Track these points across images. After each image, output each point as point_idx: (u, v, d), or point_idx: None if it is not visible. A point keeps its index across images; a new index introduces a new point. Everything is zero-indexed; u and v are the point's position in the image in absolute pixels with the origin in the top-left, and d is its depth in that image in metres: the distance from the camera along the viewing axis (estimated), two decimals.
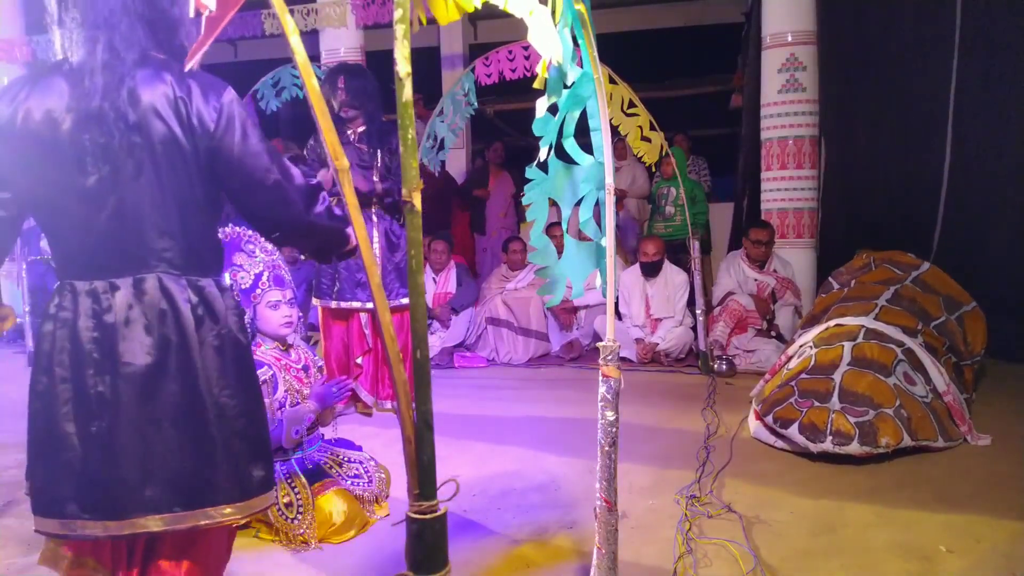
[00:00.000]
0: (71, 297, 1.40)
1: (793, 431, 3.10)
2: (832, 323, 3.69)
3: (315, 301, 4.02)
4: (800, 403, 3.20)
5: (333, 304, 3.92)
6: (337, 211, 1.61)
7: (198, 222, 1.46)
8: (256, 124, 1.49)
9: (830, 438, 2.98)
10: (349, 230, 1.61)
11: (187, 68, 1.39)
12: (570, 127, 1.73)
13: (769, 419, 3.28)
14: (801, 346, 3.74)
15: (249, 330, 2.61)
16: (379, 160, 3.83)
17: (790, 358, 3.76)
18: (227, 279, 2.42)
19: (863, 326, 3.54)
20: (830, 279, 4.54)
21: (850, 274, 4.40)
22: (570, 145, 1.76)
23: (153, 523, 1.38)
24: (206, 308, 1.44)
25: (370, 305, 3.86)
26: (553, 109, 1.67)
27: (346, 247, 1.68)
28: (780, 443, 3.26)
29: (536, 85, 1.59)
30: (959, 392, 3.45)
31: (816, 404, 3.15)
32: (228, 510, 1.43)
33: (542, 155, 1.73)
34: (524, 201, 1.76)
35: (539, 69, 1.54)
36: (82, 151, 1.36)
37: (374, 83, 3.92)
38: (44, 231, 1.47)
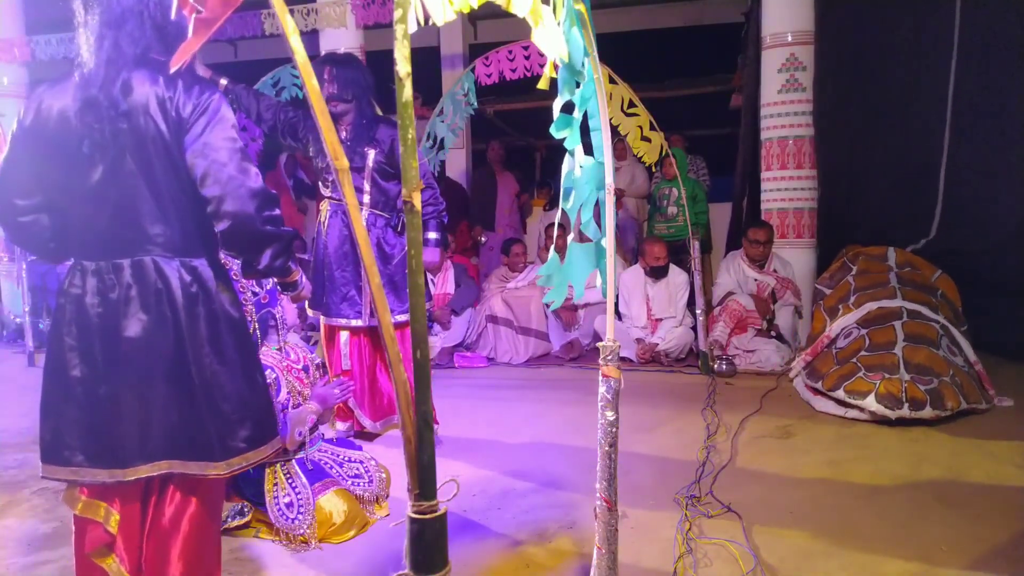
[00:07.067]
0: (80, 275, 1.59)
1: (870, 401, 3.46)
2: (873, 306, 4.07)
3: (310, 312, 3.71)
4: (870, 376, 3.56)
5: (323, 319, 3.61)
6: (287, 229, 1.68)
7: (190, 209, 1.61)
8: (235, 129, 1.60)
9: (907, 405, 3.36)
10: (293, 264, 1.76)
11: (172, 70, 1.46)
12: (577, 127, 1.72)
13: (840, 393, 3.63)
14: (844, 328, 4.09)
15: (282, 328, 2.66)
16: (371, 160, 3.38)
17: (832, 340, 4.13)
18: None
19: (903, 307, 3.97)
20: (817, 286, 4.85)
21: (832, 277, 4.71)
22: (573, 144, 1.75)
23: (152, 469, 1.59)
24: (200, 286, 1.62)
25: (355, 323, 3.48)
26: (566, 109, 1.66)
27: (287, 275, 1.79)
28: (851, 413, 3.62)
29: (540, 86, 1.57)
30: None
31: (887, 376, 3.50)
32: (211, 466, 1.62)
33: (579, 158, 1.71)
34: (568, 209, 1.74)
35: (546, 70, 1.52)
36: (82, 136, 1.53)
37: (367, 73, 3.45)
38: (54, 223, 1.64)
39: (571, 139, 1.68)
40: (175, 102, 1.53)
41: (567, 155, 1.73)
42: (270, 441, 1.73)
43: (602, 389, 1.72)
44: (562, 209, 1.75)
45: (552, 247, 5.83)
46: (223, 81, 3.36)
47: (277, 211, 1.63)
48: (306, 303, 3.65)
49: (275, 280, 1.96)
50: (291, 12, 1.26)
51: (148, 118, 1.52)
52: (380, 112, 3.63)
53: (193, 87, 1.56)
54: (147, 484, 1.67)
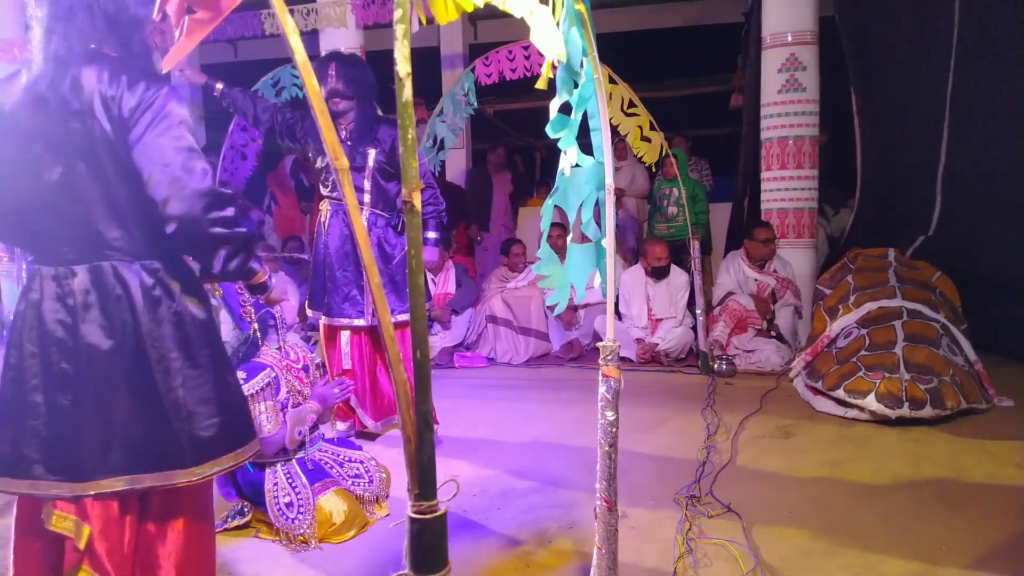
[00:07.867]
0: (39, 281, 1.54)
1: (870, 400, 3.46)
2: (873, 305, 4.08)
3: (310, 312, 3.68)
4: (871, 376, 3.56)
5: (323, 320, 3.58)
6: (241, 230, 1.55)
7: (147, 211, 1.52)
8: (183, 125, 1.50)
9: (907, 404, 3.36)
10: (256, 265, 1.65)
11: (164, 71, 1.40)
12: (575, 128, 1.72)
13: (840, 392, 3.63)
14: (844, 327, 4.10)
15: (282, 328, 2.65)
16: (372, 160, 3.37)
17: (832, 340, 4.12)
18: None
19: (903, 307, 3.97)
20: (818, 286, 4.87)
21: (832, 277, 4.74)
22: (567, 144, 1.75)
23: (114, 484, 1.52)
24: (162, 289, 1.56)
25: (357, 322, 3.47)
26: (563, 109, 1.65)
27: (250, 277, 1.68)
28: (851, 413, 3.63)
29: (539, 86, 1.56)
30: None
31: (887, 375, 3.51)
32: (180, 473, 1.55)
33: (571, 158, 1.70)
34: (554, 203, 1.74)
35: (544, 69, 1.52)
36: (33, 137, 1.47)
37: (371, 75, 3.46)
38: (15, 226, 1.58)
39: (565, 140, 1.68)
40: (118, 100, 1.45)
41: (562, 154, 1.73)
42: (248, 443, 1.66)
43: (602, 389, 1.72)
44: (556, 206, 1.75)
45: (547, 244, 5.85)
46: (219, 85, 3.35)
47: (228, 211, 1.52)
48: (306, 303, 3.66)
49: (243, 284, 1.82)
50: (291, 12, 1.26)
51: (94, 119, 1.45)
52: (381, 113, 3.62)
53: (138, 83, 1.47)
54: (126, 493, 1.57)
